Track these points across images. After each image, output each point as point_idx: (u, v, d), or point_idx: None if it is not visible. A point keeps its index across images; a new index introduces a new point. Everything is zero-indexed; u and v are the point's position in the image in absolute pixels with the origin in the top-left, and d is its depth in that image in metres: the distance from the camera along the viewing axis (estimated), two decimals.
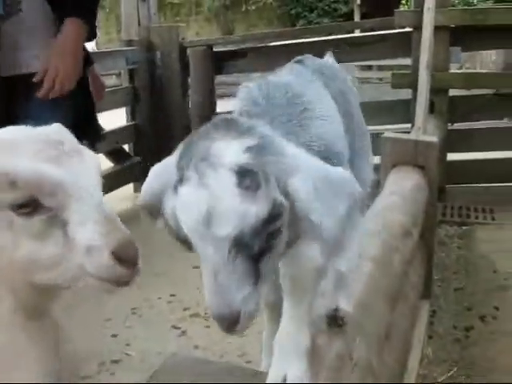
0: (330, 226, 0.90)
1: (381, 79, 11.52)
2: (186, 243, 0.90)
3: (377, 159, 2.95)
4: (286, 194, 0.88)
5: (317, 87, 1.15)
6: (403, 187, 2.48)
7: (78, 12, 2.22)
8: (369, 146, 1.56)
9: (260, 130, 0.91)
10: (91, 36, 2.33)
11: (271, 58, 4.63)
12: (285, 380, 0.96)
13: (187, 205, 0.86)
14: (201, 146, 0.88)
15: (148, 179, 1.04)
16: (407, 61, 5.00)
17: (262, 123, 0.95)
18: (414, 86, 4.26)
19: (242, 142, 0.87)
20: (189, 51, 5.32)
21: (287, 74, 1.20)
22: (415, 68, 4.24)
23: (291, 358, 0.98)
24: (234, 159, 0.85)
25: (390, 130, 3.53)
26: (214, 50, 5.34)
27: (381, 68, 11.96)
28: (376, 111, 4.83)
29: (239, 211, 0.83)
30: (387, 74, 6.16)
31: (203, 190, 0.84)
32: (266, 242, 0.87)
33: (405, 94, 4.92)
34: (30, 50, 2.19)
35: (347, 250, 0.96)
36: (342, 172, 0.96)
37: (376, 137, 3.03)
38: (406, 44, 4.69)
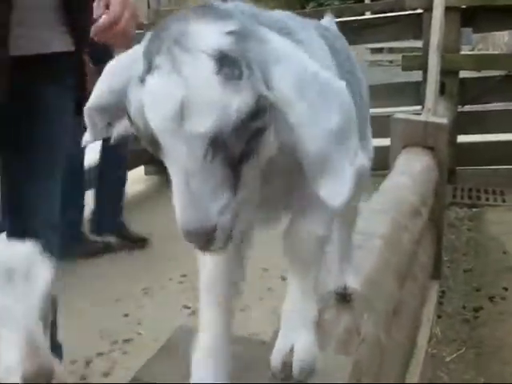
0: (316, 135, 0.76)
1: (391, 62, 11.45)
2: (154, 146, 0.76)
3: (387, 141, 2.96)
4: (270, 88, 0.75)
5: (311, 33, 0.99)
6: (413, 168, 2.50)
7: None
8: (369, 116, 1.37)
9: (241, 16, 0.79)
10: None
11: None
12: (292, 351, 0.96)
13: (157, 96, 0.73)
14: (174, 28, 0.75)
15: (103, 76, 0.87)
16: (418, 43, 4.99)
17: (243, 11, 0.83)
18: (424, 68, 4.25)
19: (221, 25, 0.75)
20: None
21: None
22: (426, 50, 4.23)
23: (298, 329, 0.96)
24: (213, 43, 0.73)
25: (400, 112, 3.54)
26: None
27: (391, 50, 11.89)
28: (386, 93, 4.83)
29: (219, 103, 0.71)
30: (398, 57, 6.14)
31: (176, 78, 0.72)
32: (248, 143, 0.75)
33: (415, 76, 4.91)
34: (45, 29, 1.94)
35: (335, 174, 0.78)
36: (335, 79, 0.81)
37: (386, 119, 3.05)
38: (417, 26, 4.68)
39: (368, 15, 7.24)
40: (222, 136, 0.72)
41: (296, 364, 0.93)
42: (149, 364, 1.04)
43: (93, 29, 1.76)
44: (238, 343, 1.02)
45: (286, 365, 0.94)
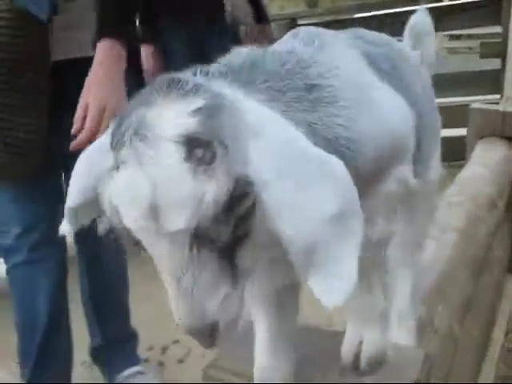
0: (301, 220, 0.66)
1: (470, 48, 11.17)
2: (136, 244, 0.68)
3: (464, 131, 2.91)
4: (247, 166, 0.66)
5: (336, 50, 0.87)
6: (490, 159, 2.44)
7: (108, 31, 1.79)
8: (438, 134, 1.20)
9: (212, 88, 0.68)
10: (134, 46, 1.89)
11: None
12: (360, 346, 0.93)
13: (125, 197, 0.64)
14: (134, 115, 0.67)
15: (77, 171, 0.79)
16: (498, 28, 4.86)
17: (218, 81, 0.73)
18: (503, 55, 4.14)
19: (186, 104, 0.65)
20: (273, 25, 5.33)
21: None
22: (505, 36, 4.12)
23: (366, 322, 0.95)
24: (177, 127, 0.64)
25: (478, 101, 3.46)
26: (299, 23, 5.33)
27: (470, 37, 11.60)
28: (464, 82, 4.73)
29: (192, 196, 0.62)
30: (477, 43, 6.01)
31: (141, 175, 0.63)
32: (236, 229, 0.65)
33: (495, 63, 4.79)
34: (87, 31, 1.87)
35: (330, 268, 0.66)
36: (333, 159, 0.69)
37: (464, 108, 3.00)
38: (497, 11, 4.55)
39: (446, 1, 7.08)
40: (203, 229, 0.64)
41: (364, 356, 0.94)
42: (223, 352, 1.06)
43: (71, 145, 1.68)
44: (309, 333, 1.03)
45: (357, 357, 0.95)
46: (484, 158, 2.44)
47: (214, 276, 0.66)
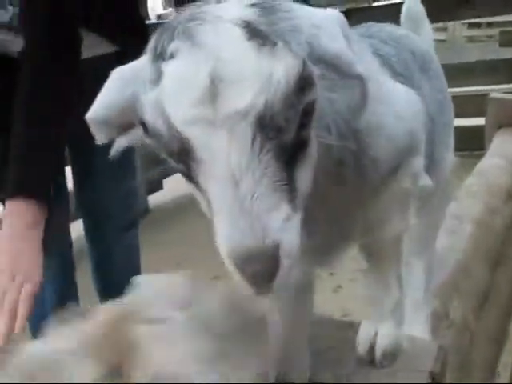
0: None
1: (490, 37, 11.05)
2: (184, 155, 0.58)
3: (483, 120, 2.89)
4: (318, 54, 0.60)
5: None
6: (508, 150, 2.43)
7: (15, 191, 1.35)
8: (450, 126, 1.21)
9: None
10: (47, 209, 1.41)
11: (376, 19, 4.55)
12: (375, 338, 0.94)
13: (178, 82, 0.57)
14: (185, 14, 0.61)
15: (110, 85, 0.66)
16: None
17: None
18: None
19: (240, 1, 0.61)
20: None
21: None
22: None
23: (381, 316, 0.95)
24: (235, 12, 0.58)
25: (496, 91, 3.43)
26: None
27: (490, 25, 11.47)
28: (483, 71, 4.68)
29: (257, 72, 0.55)
30: (496, 32, 5.95)
31: (200, 51, 0.56)
32: (301, 126, 0.58)
33: None
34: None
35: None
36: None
37: (483, 97, 2.97)
38: None
39: None
40: (270, 113, 0.55)
41: (379, 348, 0.94)
42: None
43: None
44: (324, 324, 1.04)
45: (372, 347, 0.95)
46: (502, 149, 2.43)
47: (276, 187, 0.56)
